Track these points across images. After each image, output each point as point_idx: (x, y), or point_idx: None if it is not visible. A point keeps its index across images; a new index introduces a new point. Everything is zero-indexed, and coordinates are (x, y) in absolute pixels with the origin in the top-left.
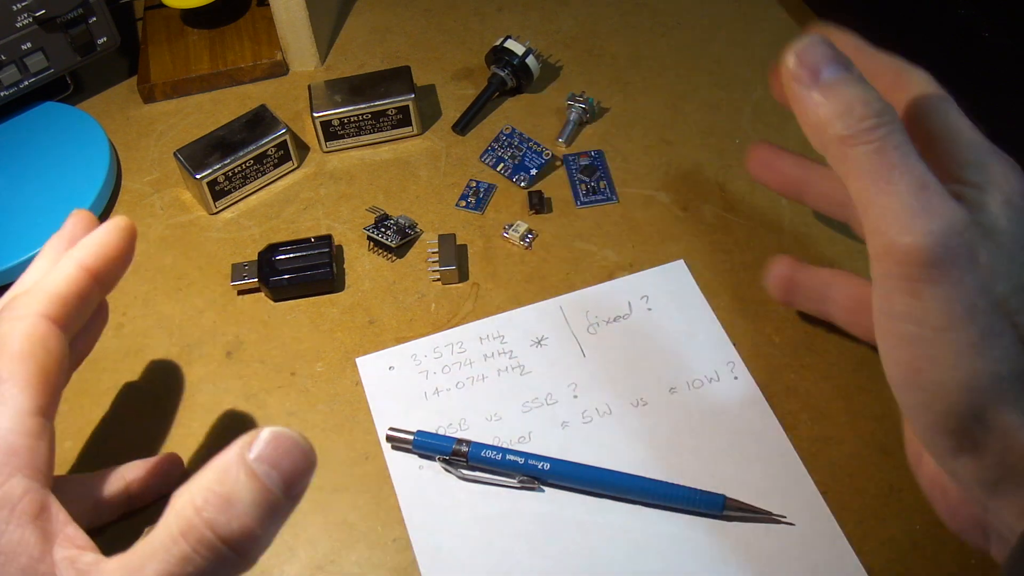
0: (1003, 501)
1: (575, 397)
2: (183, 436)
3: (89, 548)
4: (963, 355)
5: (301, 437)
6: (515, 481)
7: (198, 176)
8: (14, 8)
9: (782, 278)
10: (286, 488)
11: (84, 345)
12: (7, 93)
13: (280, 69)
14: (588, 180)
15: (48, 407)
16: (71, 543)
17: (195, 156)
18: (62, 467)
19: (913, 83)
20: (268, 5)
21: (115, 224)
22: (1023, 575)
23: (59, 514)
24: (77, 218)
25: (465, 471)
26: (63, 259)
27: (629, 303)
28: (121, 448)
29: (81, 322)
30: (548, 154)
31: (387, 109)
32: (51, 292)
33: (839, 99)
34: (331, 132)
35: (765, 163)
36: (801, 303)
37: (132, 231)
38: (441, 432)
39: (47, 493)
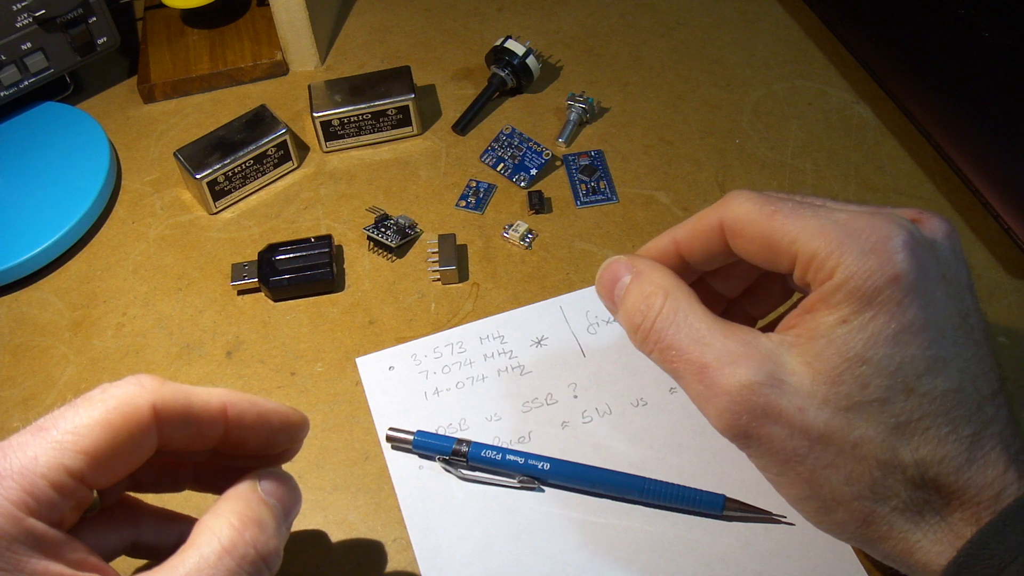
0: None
1: (575, 397)
2: None
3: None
4: (806, 490)
5: (292, 478)
6: (515, 481)
7: (198, 176)
8: (14, 8)
9: None
10: (285, 517)
11: (106, 546)
12: (7, 93)
13: (280, 69)
14: (588, 180)
15: (92, 478)
16: (100, 571)
17: (195, 156)
18: None
19: (737, 230)
20: (268, 5)
21: (293, 413)
22: None
23: (80, 546)
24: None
25: (465, 471)
26: (221, 389)
27: None
28: None
29: (181, 442)
30: (548, 154)
31: (387, 109)
32: (177, 394)
33: (624, 313)
34: (331, 132)
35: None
36: None
37: (294, 428)
38: (441, 432)
39: (63, 534)
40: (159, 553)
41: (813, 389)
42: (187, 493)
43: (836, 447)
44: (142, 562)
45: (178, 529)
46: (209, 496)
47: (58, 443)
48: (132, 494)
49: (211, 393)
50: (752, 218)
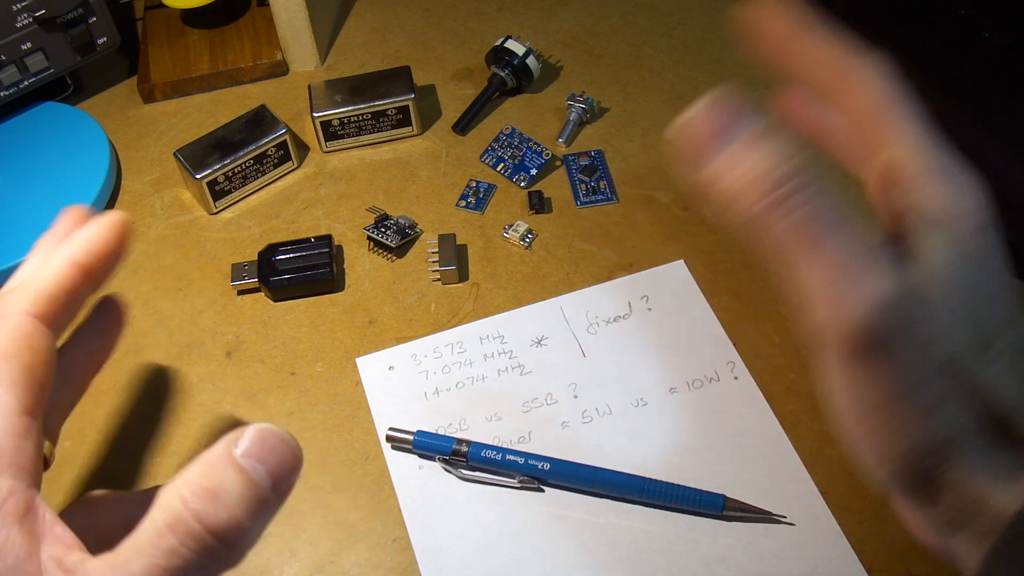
0: (955, 540)
1: (575, 397)
2: (183, 436)
3: (76, 547)
4: (907, 427)
5: (287, 434)
6: (515, 481)
7: (198, 176)
8: (14, 8)
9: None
10: (273, 483)
11: (101, 350)
12: (7, 93)
13: (280, 69)
14: (588, 180)
15: (34, 406)
16: (58, 542)
17: (195, 156)
18: (62, 466)
19: (860, 85)
20: (268, 5)
21: (107, 219)
22: None
23: (46, 513)
24: (70, 215)
25: (465, 471)
26: (52, 255)
27: (629, 303)
28: (121, 448)
29: (70, 318)
30: (548, 154)
31: (387, 109)
32: (37, 289)
33: (747, 169)
34: (331, 132)
35: (796, 112)
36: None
37: (125, 226)
38: (441, 432)
39: (34, 493)
40: None
41: (949, 321)
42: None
43: (954, 381)
44: None
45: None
46: None
47: None
48: (111, 492)
49: (55, 265)
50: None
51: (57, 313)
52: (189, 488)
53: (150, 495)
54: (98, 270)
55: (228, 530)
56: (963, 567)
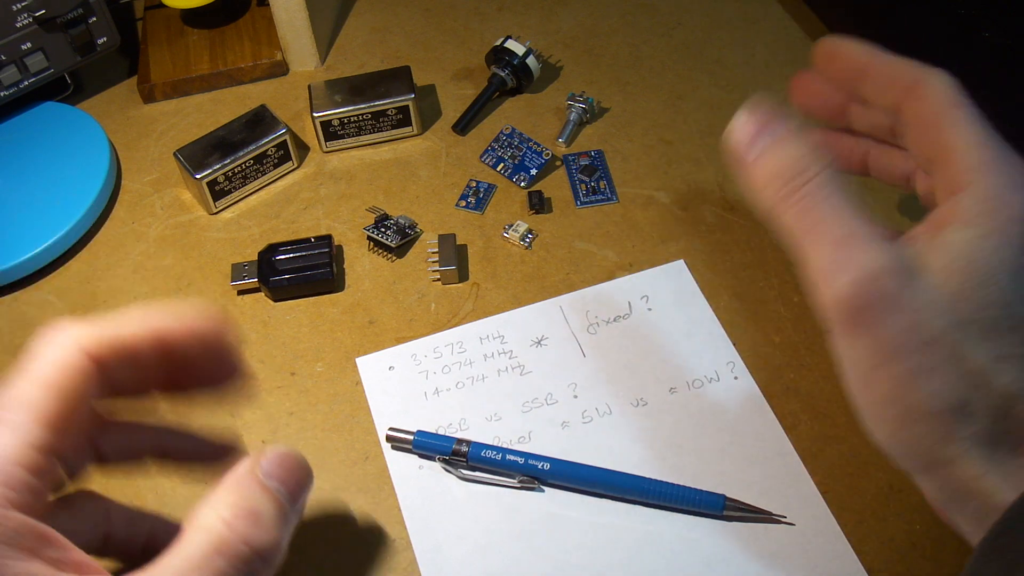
0: (959, 517)
1: (575, 397)
2: None
3: (101, 572)
4: (895, 392)
5: (300, 455)
6: (515, 481)
7: (198, 176)
8: (14, 8)
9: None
10: (292, 501)
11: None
12: (7, 93)
13: (280, 69)
14: (588, 180)
15: (58, 445)
16: (81, 570)
17: (195, 156)
18: None
19: (928, 94)
20: (268, 5)
21: (205, 308)
22: None
23: (62, 540)
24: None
25: (465, 471)
26: (132, 313)
27: (629, 303)
28: None
29: (122, 377)
30: (548, 154)
31: (387, 109)
32: (101, 332)
33: (768, 166)
34: (331, 132)
35: (808, 91)
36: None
37: (219, 322)
38: (441, 432)
39: (46, 527)
40: (130, 549)
41: (940, 296)
42: (170, 491)
43: (943, 355)
44: None
45: (149, 525)
46: (186, 493)
47: (16, 424)
48: (100, 493)
49: (139, 317)
50: (948, 109)
51: (111, 363)
52: (230, 511)
53: (158, 518)
54: (172, 345)
55: (270, 549)
56: (971, 543)
